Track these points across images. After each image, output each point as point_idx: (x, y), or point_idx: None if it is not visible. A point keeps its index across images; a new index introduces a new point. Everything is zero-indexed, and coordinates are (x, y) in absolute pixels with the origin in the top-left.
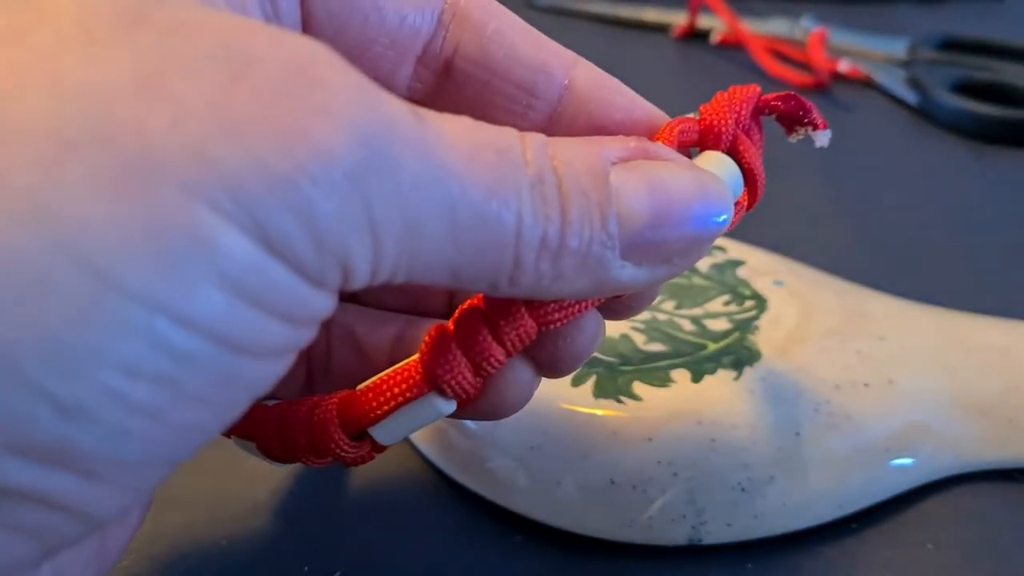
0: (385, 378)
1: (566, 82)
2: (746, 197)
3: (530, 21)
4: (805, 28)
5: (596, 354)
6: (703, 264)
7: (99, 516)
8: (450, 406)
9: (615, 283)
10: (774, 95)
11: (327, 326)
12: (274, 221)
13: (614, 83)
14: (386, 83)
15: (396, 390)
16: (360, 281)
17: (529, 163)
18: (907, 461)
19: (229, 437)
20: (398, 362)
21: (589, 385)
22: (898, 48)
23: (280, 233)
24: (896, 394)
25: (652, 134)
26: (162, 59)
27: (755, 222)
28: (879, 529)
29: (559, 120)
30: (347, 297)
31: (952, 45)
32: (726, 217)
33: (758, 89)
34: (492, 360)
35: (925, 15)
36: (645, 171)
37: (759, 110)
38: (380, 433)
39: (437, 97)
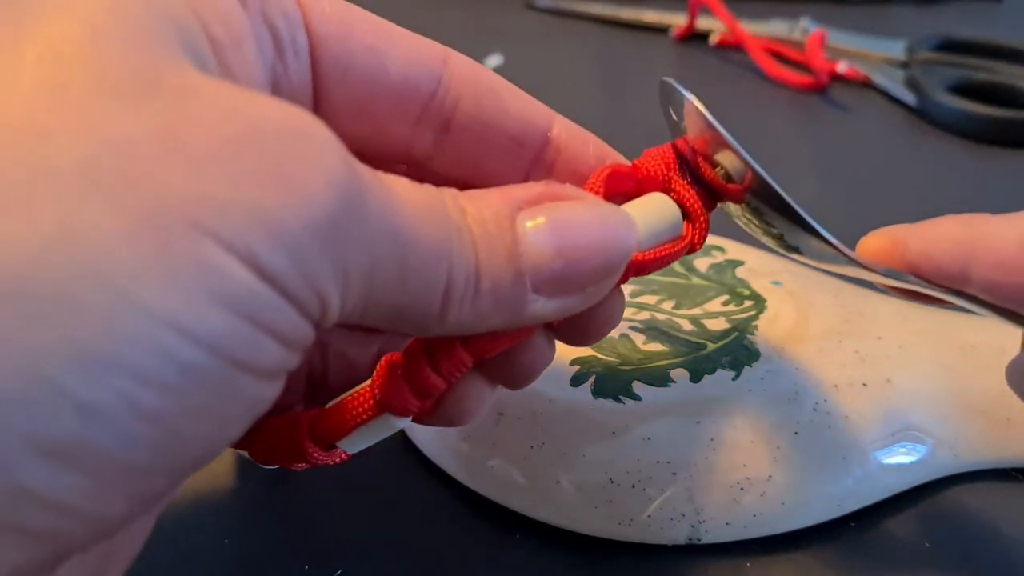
0: (345, 401)
1: (549, 133)
2: (690, 232)
3: (530, 22)
4: (804, 29)
5: (596, 354)
6: (702, 264)
7: (106, 520)
8: (404, 421)
9: (532, 316)
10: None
11: (323, 347)
12: (269, 255)
13: (586, 134)
14: (390, 138)
15: (355, 413)
16: (332, 315)
17: (451, 216)
18: (905, 461)
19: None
20: None
21: (589, 385)
22: (896, 49)
23: (274, 266)
24: (894, 394)
25: None
26: (176, 115)
27: None
28: (877, 528)
29: (540, 166)
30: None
31: (950, 46)
32: (631, 246)
33: (679, 143)
34: (432, 388)
35: (923, 16)
36: (548, 211)
37: (683, 159)
38: (346, 445)
39: (436, 150)
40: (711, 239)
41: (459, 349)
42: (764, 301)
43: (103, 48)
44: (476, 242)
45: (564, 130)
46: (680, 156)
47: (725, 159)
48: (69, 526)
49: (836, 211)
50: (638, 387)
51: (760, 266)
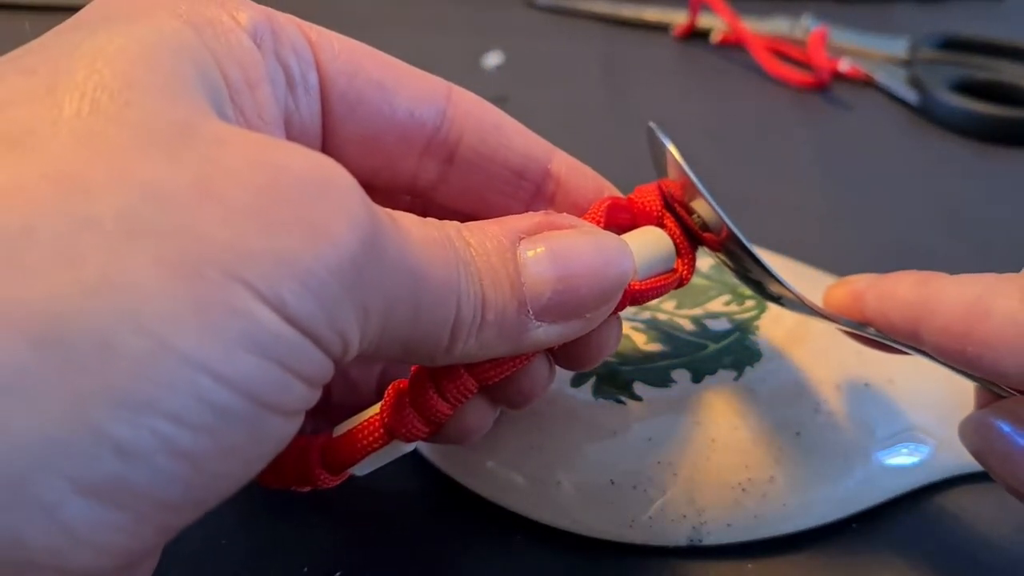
0: (355, 430)
1: (549, 166)
2: (680, 267)
3: (531, 21)
4: (805, 27)
5: None
6: (704, 264)
7: (134, 553)
8: (411, 445)
9: (533, 343)
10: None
11: None
12: (297, 301)
13: (584, 168)
14: (395, 170)
15: (366, 441)
16: (351, 353)
17: (458, 250)
18: (908, 462)
19: None
20: (381, 393)
21: (589, 385)
22: (898, 47)
23: (302, 311)
24: (896, 394)
25: None
26: (209, 166)
27: (755, 222)
28: (879, 529)
29: (541, 198)
30: None
31: (952, 45)
32: (628, 273)
33: (662, 184)
34: (438, 414)
35: (925, 15)
36: (548, 240)
37: (667, 199)
38: (358, 470)
39: (441, 183)
40: None
41: (464, 376)
42: (765, 301)
43: (137, 98)
44: (481, 274)
45: (564, 164)
46: (664, 196)
47: (700, 208)
48: (102, 561)
49: (837, 210)
50: (639, 387)
51: None
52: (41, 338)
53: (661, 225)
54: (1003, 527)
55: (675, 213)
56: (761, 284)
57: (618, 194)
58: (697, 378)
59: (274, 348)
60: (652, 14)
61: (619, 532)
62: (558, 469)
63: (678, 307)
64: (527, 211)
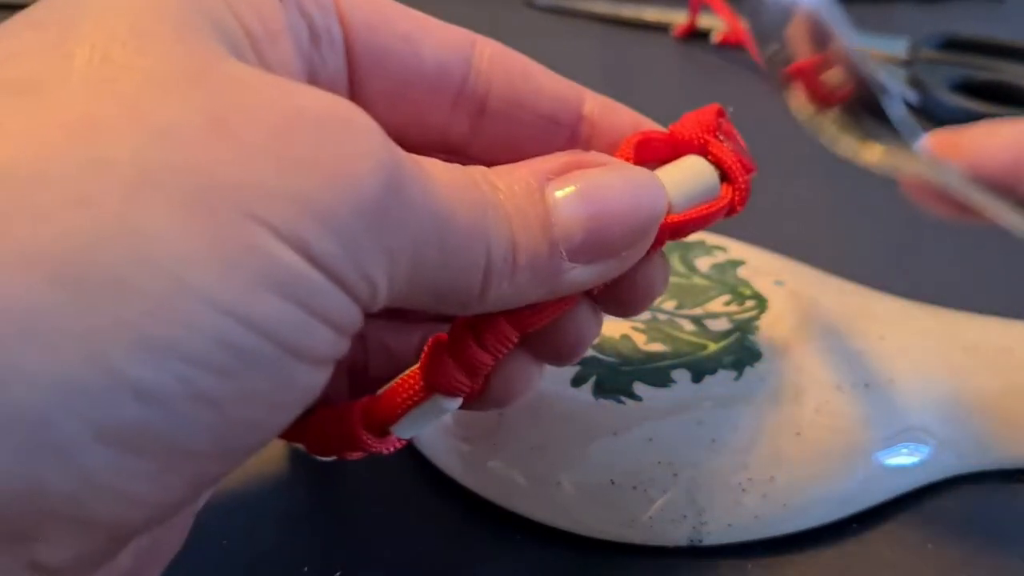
0: (395, 385)
1: (582, 109)
2: (729, 193)
3: (530, 21)
4: None
5: (596, 354)
6: (703, 264)
7: (164, 506)
8: (455, 402)
9: (570, 285)
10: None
11: (363, 339)
12: (318, 241)
13: (620, 107)
14: (426, 125)
15: (404, 395)
16: (380, 298)
17: (485, 193)
18: (908, 461)
19: (281, 438)
20: None
21: (589, 385)
22: (899, 48)
23: (323, 251)
24: (896, 394)
25: None
26: (224, 107)
27: (755, 222)
28: (879, 530)
29: (576, 143)
30: (384, 315)
31: (953, 45)
32: (661, 207)
33: (717, 106)
34: (479, 365)
35: (925, 15)
36: (576, 179)
37: (721, 123)
38: (399, 430)
39: (474, 137)
40: (712, 239)
41: (503, 323)
42: (766, 301)
43: (148, 46)
44: (510, 217)
45: (597, 105)
46: (715, 121)
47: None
48: (128, 513)
49: (839, 210)
50: (639, 387)
51: (762, 266)
52: (56, 278)
53: (705, 152)
54: (1005, 528)
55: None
56: (862, 127)
57: (656, 127)
58: (697, 378)
59: (296, 289)
60: (652, 14)
61: (619, 532)
62: (558, 469)
63: (678, 307)
64: None
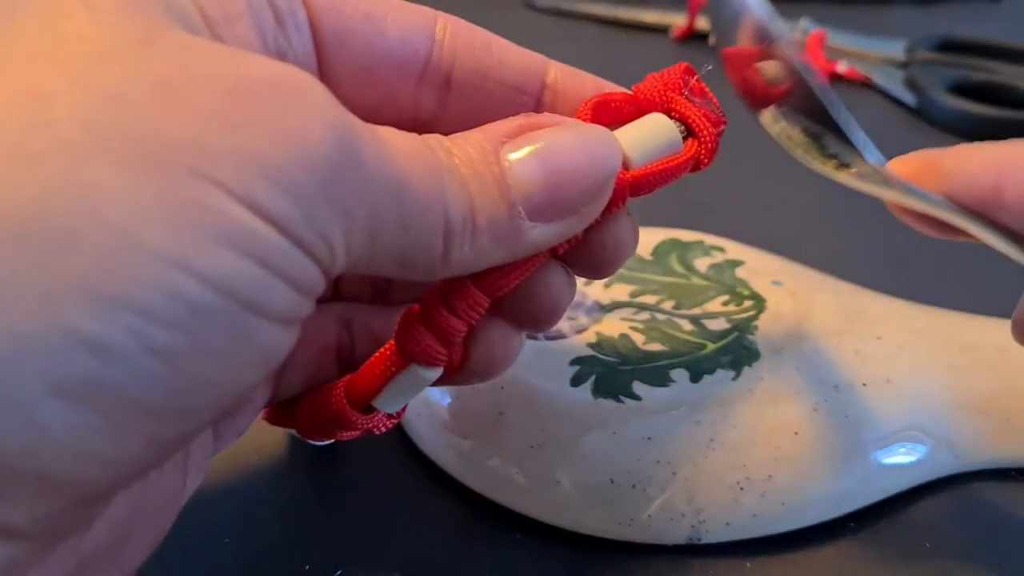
0: (373, 359)
1: (547, 79)
2: (693, 147)
3: (530, 22)
4: (804, 29)
5: (596, 354)
6: (702, 264)
7: (123, 463)
8: (434, 373)
9: (532, 244)
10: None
11: (349, 324)
12: (271, 200)
13: (583, 75)
14: (396, 105)
15: (382, 368)
16: (339, 259)
17: (440, 158)
18: (905, 461)
19: (273, 424)
20: None
21: (589, 384)
22: (896, 49)
23: (277, 209)
24: (894, 394)
25: None
26: (171, 71)
27: (755, 222)
28: (877, 528)
29: (541, 110)
30: (368, 299)
31: (949, 46)
32: (615, 162)
33: (684, 64)
34: (451, 331)
35: (922, 16)
36: (531, 140)
37: (688, 81)
38: (381, 403)
39: (441, 109)
40: (710, 239)
41: (471, 288)
42: (764, 301)
43: (96, 18)
44: (467, 181)
45: (560, 72)
46: (681, 80)
47: (770, 68)
48: (86, 471)
49: (836, 210)
50: (638, 387)
51: (760, 266)
52: (3, 233)
53: (669, 110)
54: (1002, 526)
55: (742, 81)
56: (825, 148)
57: (616, 90)
58: (696, 378)
59: (250, 245)
60: (651, 16)
61: (618, 531)
62: (557, 468)
63: (677, 307)
64: None
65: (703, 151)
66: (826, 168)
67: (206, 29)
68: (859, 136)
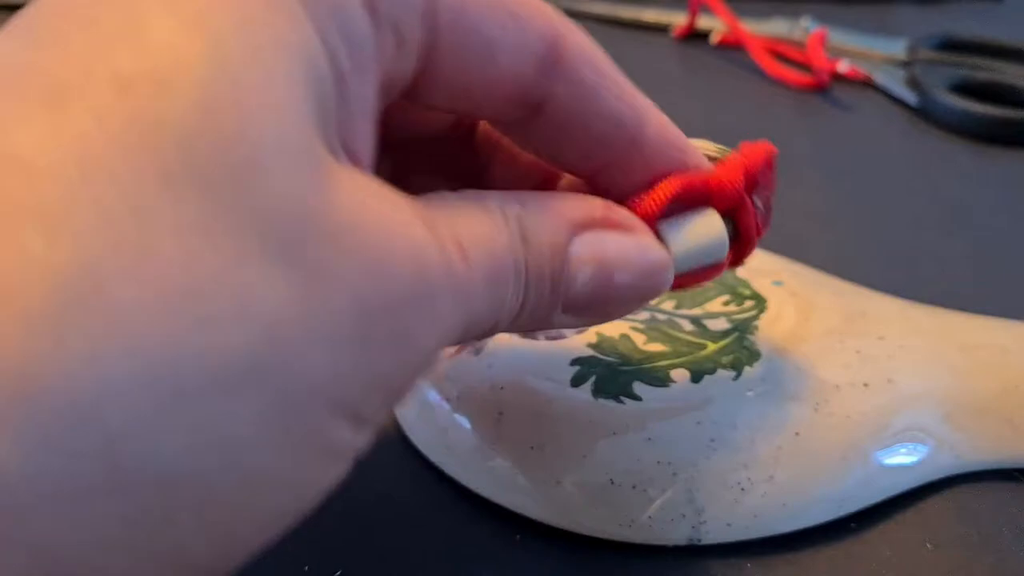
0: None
1: (641, 133)
2: (729, 257)
3: None
4: (805, 28)
5: (596, 354)
6: None
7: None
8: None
9: (553, 326)
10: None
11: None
12: (372, 410)
13: (678, 138)
14: (478, 112)
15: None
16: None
17: (516, 257)
18: (906, 461)
19: None
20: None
21: (589, 385)
22: (897, 48)
23: (368, 412)
24: (895, 394)
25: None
26: (319, 286)
27: None
28: (878, 529)
29: (616, 166)
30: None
31: (951, 45)
32: (664, 288)
33: (770, 148)
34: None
35: (924, 15)
36: (598, 245)
37: (767, 175)
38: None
39: (517, 127)
40: None
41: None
42: (765, 301)
43: (259, 157)
44: (529, 285)
45: (655, 133)
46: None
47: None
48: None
49: (836, 210)
50: (638, 387)
51: (761, 266)
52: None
53: (736, 209)
54: (1003, 527)
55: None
56: None
57: (702, 164)
58: (696, 378)
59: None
60: (651, 15)
61: (618, 531)
62: (558, 469)
63: (677, 307)
64: (599, 169)
65: (738, 260)
66: None
67: (333, 93)
68: None
